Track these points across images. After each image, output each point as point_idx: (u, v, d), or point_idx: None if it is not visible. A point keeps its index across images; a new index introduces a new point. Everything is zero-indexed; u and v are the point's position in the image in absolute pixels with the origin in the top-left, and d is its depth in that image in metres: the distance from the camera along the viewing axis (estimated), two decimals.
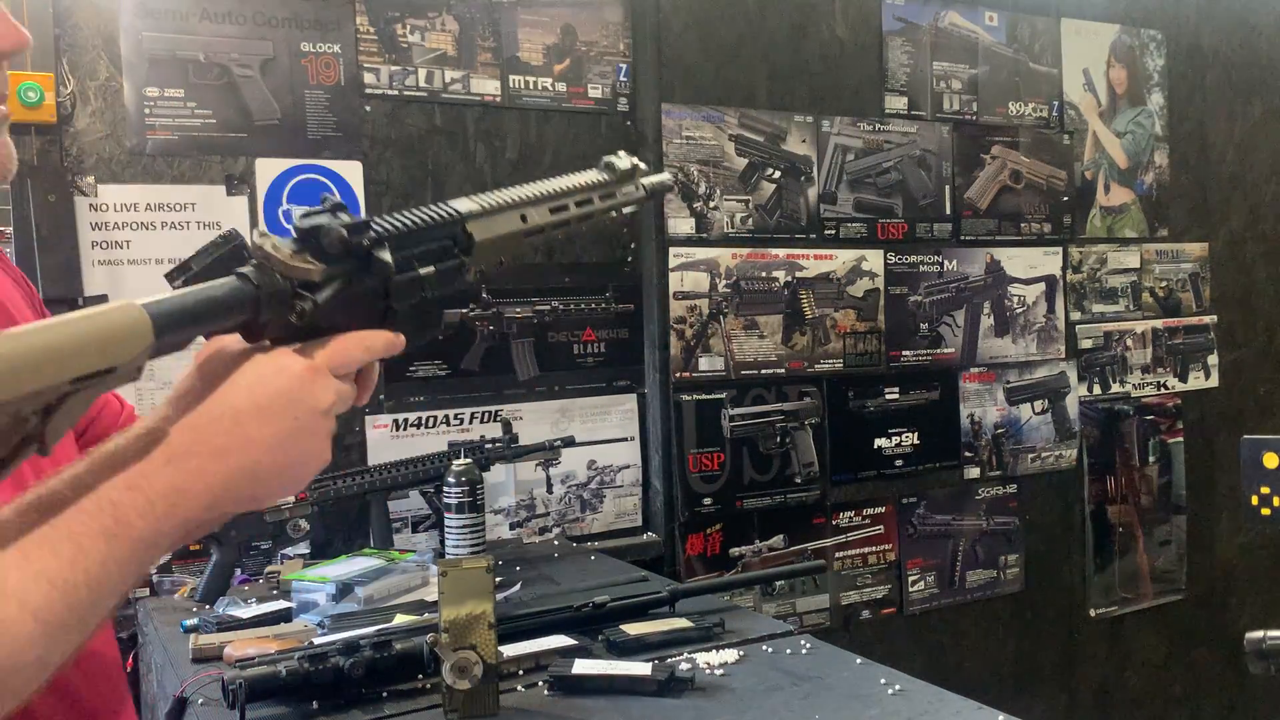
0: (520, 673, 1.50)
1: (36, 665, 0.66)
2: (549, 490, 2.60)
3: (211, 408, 0.76)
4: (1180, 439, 3.63)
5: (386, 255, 0.85)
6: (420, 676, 1.47)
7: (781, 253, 2.88)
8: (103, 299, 2.14)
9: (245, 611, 1.80)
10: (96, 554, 0.68)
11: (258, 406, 0.76)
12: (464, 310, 2.51)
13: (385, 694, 1.44)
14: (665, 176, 1.16)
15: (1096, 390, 3.45)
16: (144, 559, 0.72)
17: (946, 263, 3.15)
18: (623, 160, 1.11)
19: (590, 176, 1.10)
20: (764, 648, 1.60)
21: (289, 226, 0.80)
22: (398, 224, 0.89)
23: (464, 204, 0.94)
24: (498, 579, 1.94)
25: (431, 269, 0.89)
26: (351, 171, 2.39)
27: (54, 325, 0.65)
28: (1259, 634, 1.39)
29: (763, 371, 2.85)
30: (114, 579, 0.69)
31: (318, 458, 0.80)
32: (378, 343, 0.84)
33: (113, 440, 0.73)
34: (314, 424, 0.78)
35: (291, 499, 2.05)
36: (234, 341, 0.79)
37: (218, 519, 0.77)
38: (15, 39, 0.87)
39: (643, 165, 1.12)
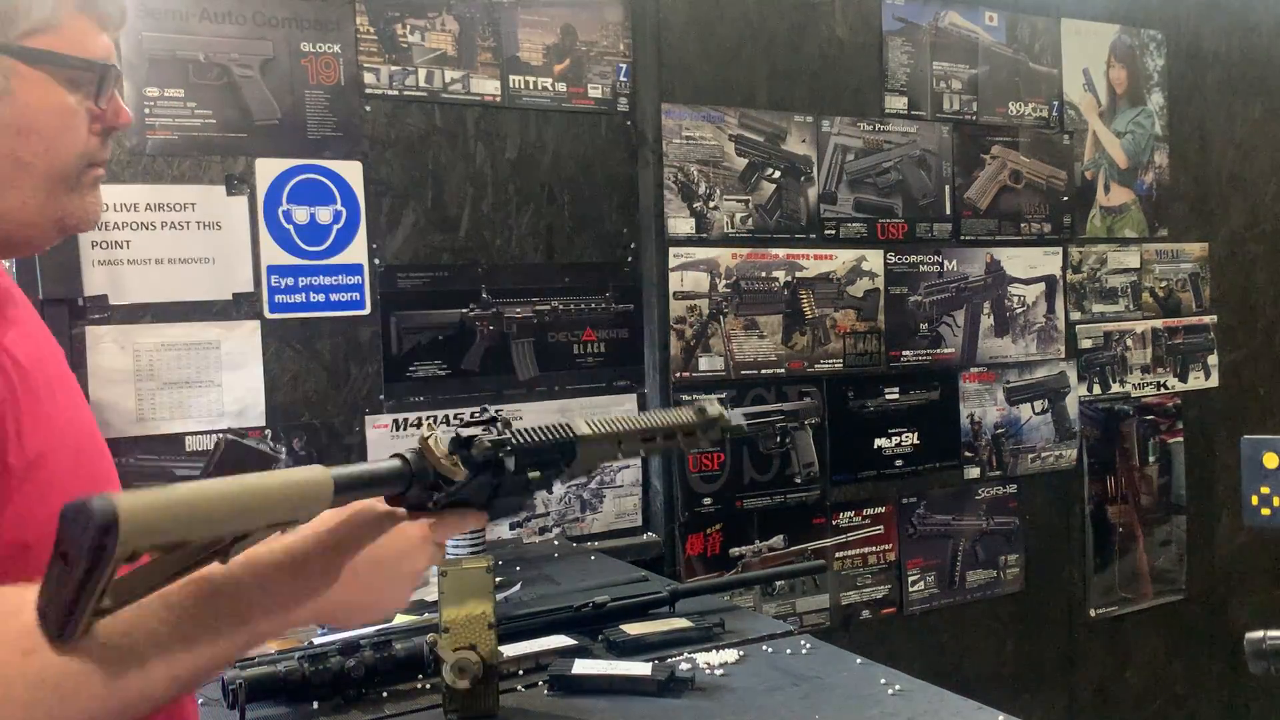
0: (520, 673, 1.50)
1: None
2: (549, 490, 2.60)
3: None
4: (1180, 439, 3.63)
5: (511, 463, 1.06)
6: (420, 676, 1.47)
7: (781, 253, 2.88)
8: (103, 299, 2.14)
9: None
10: (225, 641, 0.84)
11: (376, 560, 0.98)
12: (464, 310, 2.51)
13: (385, 694, 1.44)
14: (741, 422, 1.32)
15: (1096, 390, 3.45)
16: (249, 645, 0.87)
17: (946, 263, 3.15)
18: (713, 408, 1.28)
19: (684, 417, 1.25)
20: (764, 648, 1.60)
21: (449, 430, 1.01)
22: (530, 440, 1.11)
23: (582, 428, 1.16)
24: (497, 579, 1.94)
25: (539, 474, 1.12)
26: (351, 171, 2.39)
27: (263, 480, 0.82)
28: (1259, 634, 1.39)
29: (763, 371, 2.85)
30: (223, 656, 0.85)
31: (399, 604, 1.05)
32: (477, 523, 1.08)
33: (267, 545, 0.87)
34: (410, 580, 1.04)
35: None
36: (379, 502, 0.98)
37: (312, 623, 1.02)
38: (128, 119, 1.02)
39: (726, 412, 1.29)
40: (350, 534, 0.94)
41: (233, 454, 1.50)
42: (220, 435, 1.54)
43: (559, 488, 2.61)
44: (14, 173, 0.92)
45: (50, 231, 0.98)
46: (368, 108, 2.40)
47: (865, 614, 3.00)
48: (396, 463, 0.97)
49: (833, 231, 2.96)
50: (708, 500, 2.76)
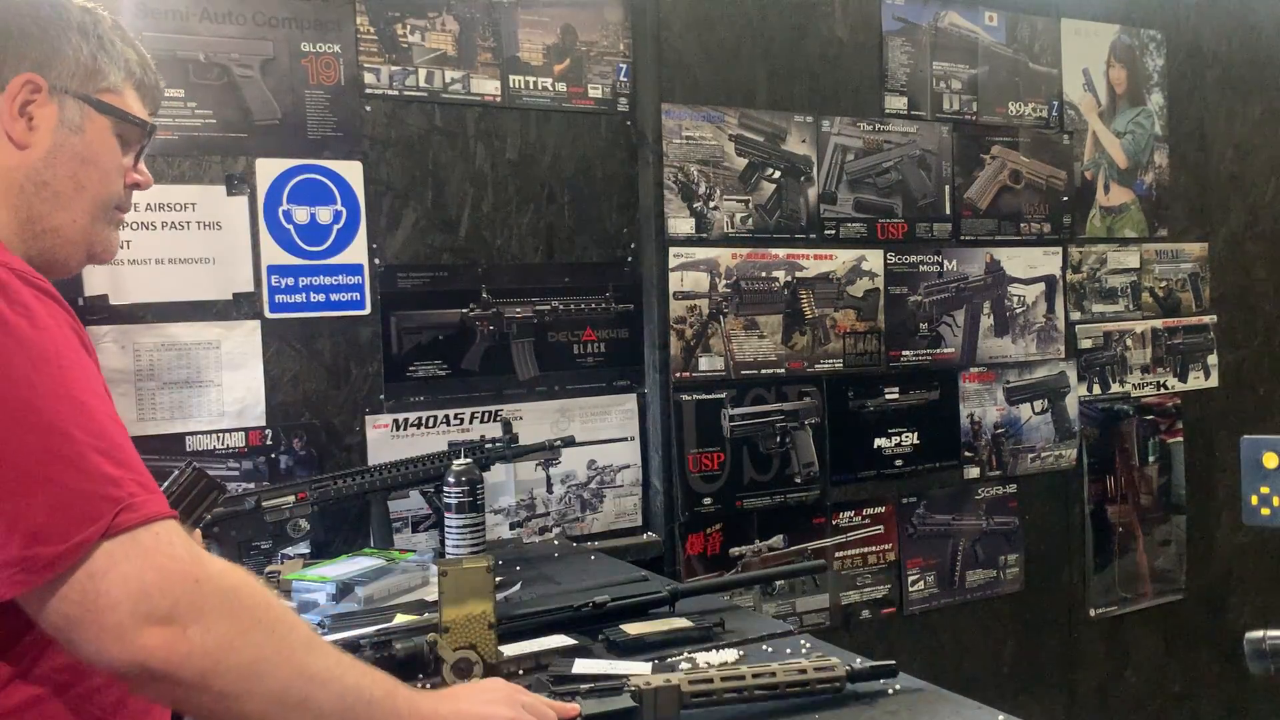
0: (520, 673, 1.50)
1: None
2: (549, 490, 2.60)
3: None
4: (1180, 439, 3.63)
5: None
6: (420, 676, 1.47)
7: (781, 253, 2.88)
8: (103, 299, 2.15)
9: None
10: (366, 692, 1.06)
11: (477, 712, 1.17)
12: (464, 310, 2.51)
13: None
14: None
15: (1096, 390, 3.45)
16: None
17: (946, 263, 3.16)
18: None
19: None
20: (764, 647, 1.60)
21: None
22: None
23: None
24: (498, 579, 1.94)
25: None
26: (351, 171, 2.39)
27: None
28: (1259, 634, 1.39)
29: (763, 371, 2.85)
30: (359, 716, 1.05)
31: None
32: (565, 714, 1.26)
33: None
34: None
35: (291, 498, 2.05)
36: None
37: None
38: (150, 183, 1.25)
39: None
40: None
41: (195, 483, 1.54)
42: (188, 464, 1.59)
43: (559, 488, 2.62)
44: (73, 194, 1.15)
45: (82, 255, 1.18)
46: (368, 108, 2.41)
47: (865, 614, 3.00)
48: None
49: (833, 231, 2.96)
50: (708, 500, 2.77)
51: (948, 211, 3.16)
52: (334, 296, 2.37)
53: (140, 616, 0.92)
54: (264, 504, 2.06)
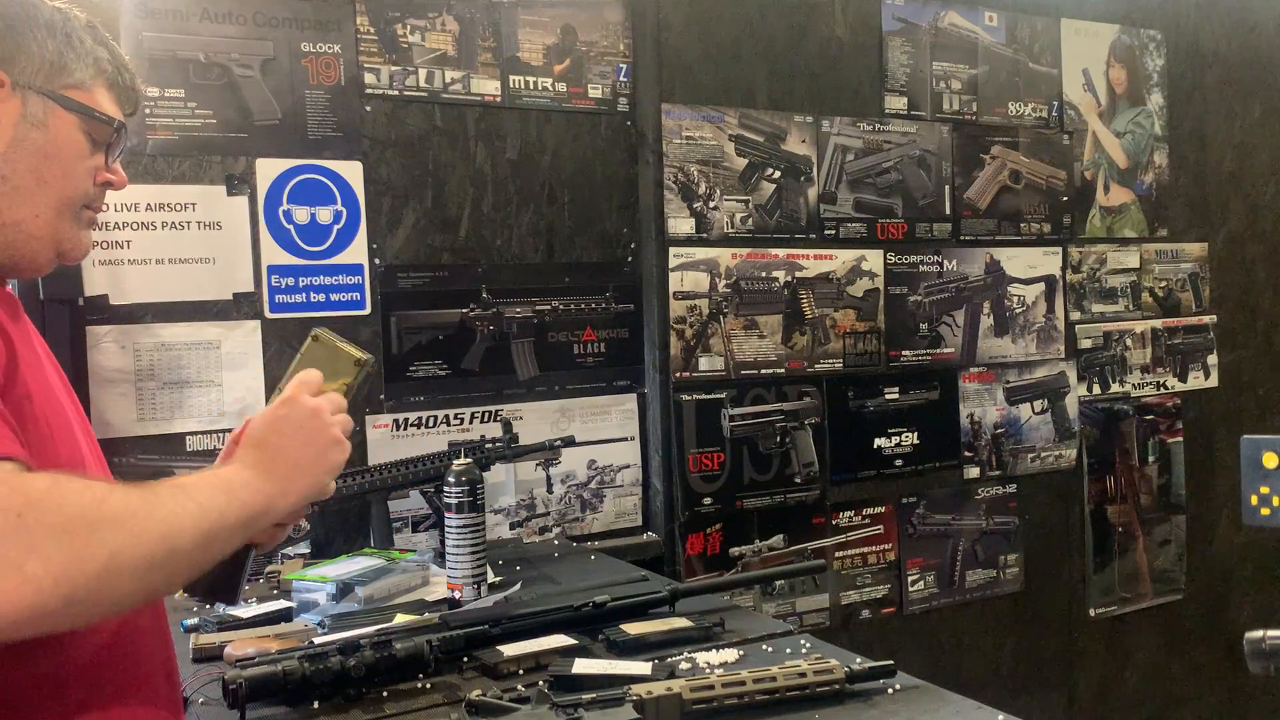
0: (520, 672, 1.50)
1: (187, 562, 1.03)
2: (549, 490, 2.60)
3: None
4: (1180, 439, 3.63)
5: None
6: (421, 676, 1.47)
7: (781, 253, 2.88)
8: (103, 299, 2.15)
9: (245, 611, 1.80)
10: (216, 506, 1.06)
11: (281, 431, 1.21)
12: (464, 310, 2.51)
13: (385, 693, 1.44)
14: None
15: (1096, 390, 3.45)
16: (241, 523, 1.09)
17: (946, 263, 3.16)
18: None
19: None
20: (764, 647, 1.60)
21: None
22: None
23: None
24: (497, 572, 1.95)
25: None
26: (351, 171, 2.39)
27: None
28: (1258, 634, 1.39)
29: (763, 371, 2.85)
30: (227, 527, 1.07)
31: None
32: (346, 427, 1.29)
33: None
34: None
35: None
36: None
37: (291, 504, 1.18)
38: (124, 183, 1.24)
39: None
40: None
41: None
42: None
43: (559, 488, 2.62)
44: (35, 189, 1.13)
45: (50, 253, 1.17)
46: (368, 108, 2.41)
47: (865, 614, 3.00)
48: None
49: (833, 231, 2.97)
50: (708, 500, 2.77)
51: (948, 211, 3.16)
52: (334, 296, 2.37)
53: None
54: None
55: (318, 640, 1.58)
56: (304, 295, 2.33)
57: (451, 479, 1.89)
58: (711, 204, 2.78)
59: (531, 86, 2.59)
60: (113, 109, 1.20)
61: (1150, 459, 3.57)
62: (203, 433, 2.23)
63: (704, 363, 2.77)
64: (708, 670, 1.47)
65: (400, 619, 1.70)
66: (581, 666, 1.46)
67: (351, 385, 1.32)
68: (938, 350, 3.14)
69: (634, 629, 1.64)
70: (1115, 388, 3.49)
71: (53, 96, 1.14)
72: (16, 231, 1.13)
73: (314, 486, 1.21)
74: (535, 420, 2.57)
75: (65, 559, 0.91)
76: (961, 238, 3.19)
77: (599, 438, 2.63)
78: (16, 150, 1.12)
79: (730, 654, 1.55)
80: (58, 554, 0.91)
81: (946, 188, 3.16)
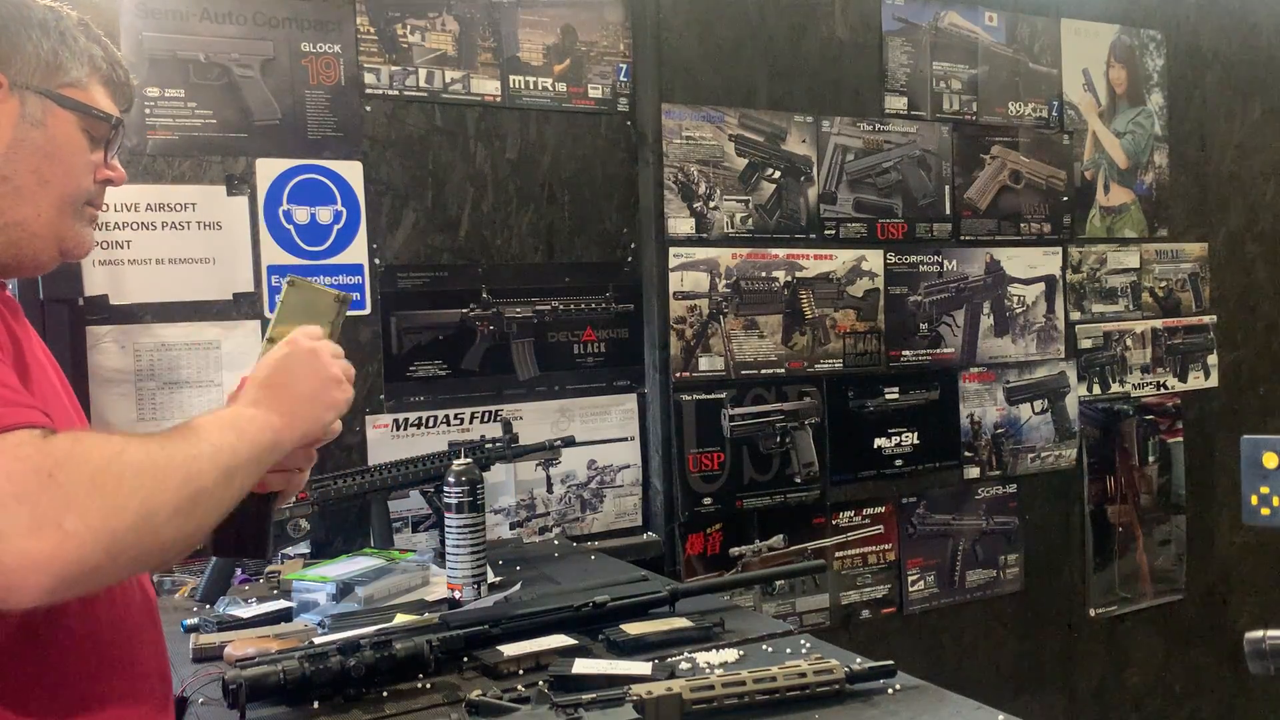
0: (520, 672, 1.50)
1: (213, 501, 1.04)
2: (549, 490, 2.60)
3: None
4: (1180, 439, 3.63)
5: None
6: (421, 676, 1.47)
7: (781, 253, 2.88)
8: (103, 299, 2.15)
9: (245, 611, 1.80)
10: (228, 442, 1.08)
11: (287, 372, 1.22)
12: (464, 310, 2.51)
13: (385, 694, 1.44)
14: None
15: (1096, 390, 3.45)
16: (254, 458, 1.11)
17: (946, 263, 3.16)
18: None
19: None
20: (764, 647, 1.60)
21: None
22: None
23: None
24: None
25: None
26: (351, 171, 2.39)
27: None
28: (1258, 634, 1.39)
29: (763, 371, 2.85)
30: (241, 463, 1.09)
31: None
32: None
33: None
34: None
35: (292, 498, 2.05)
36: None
37: (296, 437, 1.19)
38: (123, 179, 1.25)
39: None
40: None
41: None
42: None
43: (559, 488, 2.62)
44: (36, 188, 1.14)
45: (53, 251, 1.18)
46: (368, 108, 2.41)
47: (865, 614, 3.00)
48: None
49: (833, 231, 2.96)
50: (708, 500, 2.77)
51: (948, 211, 3.16)
52: None
53: (10, 537, 0.88)
54: None
55: (318, 640, 1.58)
56: None
57: (451, 479, 1.89)
58: (711, 204, 2.77)
59: (531, 86, 2.59)
60: (109, 106, 1.21)
61: (1150, 459, 3.57)
62: None
63: (704, 363, 2.77)
64: (708, 670, 1.47)
65: (400, 619, 1.69)
66: (581, 666, 1.46)
67: (335, 324, 1.34)
68: (938, 350, 3.14)
69: (634, 629, 1.64)
70: (1115, 388, 3.49)
71: (50, 95, 1.14)
72: (20, 231, 1.14)
73: (318, 421, 1.22)
74: (535, 420, 2.57)
75: (102, 511, 0.92)
76: (961, 238, 3.19)
77: (599, 438, 2.63)
78: (16, 150, 1.13)
79: (730, 654, 1.55)
80: (93, 507, 0.92)
81: (946, 188, 3.16)
